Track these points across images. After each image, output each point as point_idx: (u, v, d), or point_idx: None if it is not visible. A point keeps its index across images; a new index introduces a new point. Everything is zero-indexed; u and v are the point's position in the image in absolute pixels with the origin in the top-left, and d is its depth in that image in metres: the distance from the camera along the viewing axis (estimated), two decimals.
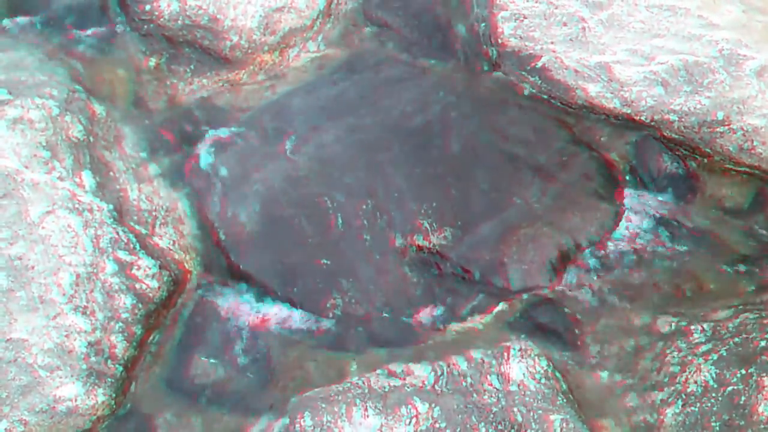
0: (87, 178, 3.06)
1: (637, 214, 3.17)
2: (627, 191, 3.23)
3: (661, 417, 2.64)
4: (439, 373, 2.73)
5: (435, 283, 3.03)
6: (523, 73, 3.44)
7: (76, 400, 2.63)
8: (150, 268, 2.89)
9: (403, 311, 2.98)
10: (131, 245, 2.92)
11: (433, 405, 2.64)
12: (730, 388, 2.60)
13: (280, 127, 3.40)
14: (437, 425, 2.59)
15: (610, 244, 3.10)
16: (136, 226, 3.04)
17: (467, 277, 3.03)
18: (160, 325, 2.90)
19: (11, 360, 2.63)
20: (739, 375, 2.62)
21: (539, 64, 3.41)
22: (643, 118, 3.25)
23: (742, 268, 3.02)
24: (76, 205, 2.93)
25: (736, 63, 3.26)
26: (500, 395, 2.67)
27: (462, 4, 3.74)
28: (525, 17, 3.51)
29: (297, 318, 2.97)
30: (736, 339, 2.72)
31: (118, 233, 2.93)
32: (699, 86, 3.23)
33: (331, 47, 3.69)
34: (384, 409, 2.62)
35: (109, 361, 2.72)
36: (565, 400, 2.67)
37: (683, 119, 3.20)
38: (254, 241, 3.09)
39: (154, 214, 3.13)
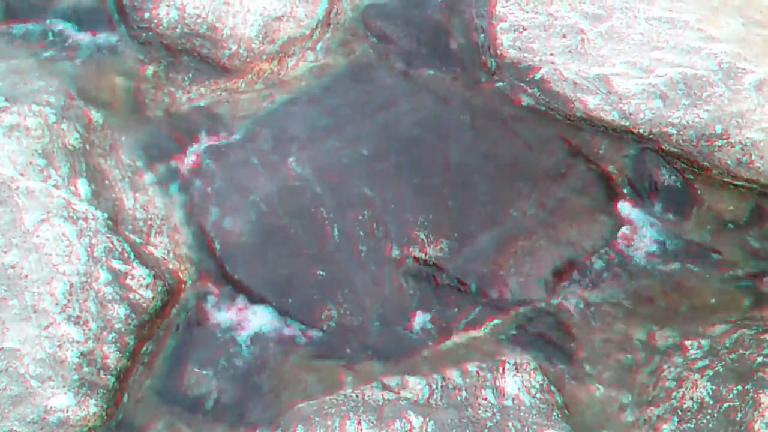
0: (82, 186, 3.05)
1: (635, 227, 3.16)
2: (625, 204, 3.21)
3: None
4: (434, 386, 2.72)
5: (431, 294, 3.02)
6: (522, 84, 3.44)
7: (67, 411, 2.61)
8: (144, 278, 2.88)
9: (399, 323, 2.97)
10: (126, 254, 2.91)
11: (427, 418, 2.62)
12: (726, 405, 2.59)
13: (277, 137, 3.39)
14: None
15: (607, 257, 3.09)
16: (131, 235, 3.03)
17: (463, 289, 3.02)
18: (153, 336, 2.88)
19: (2, 369, 2.61)
20: (735, 391, 2.60)
21: (538, 75, 3.40)
22: (641, 130, 3.24)
23: (739, 282, 3.01)
24: (71, 214, 2.92)
25: (735, 76, 3.25)
26: (495, 409, 2.65)
27: (462, 15, 3.74)
28: (524, 28, 3.51)
29: (291, 329, 2.95)
30: (733, 355, 2.70)
31: (112, 242, 2.91)
32: (698, 99, 3.22)
33: (329, 57, 3.68)
34: (378, 422, 2.60)
35: (102, 372, 2.70)
36: (560, 415, 2.65)
37: (681, 132, 3.19)
38: (250, 251, 3.08)
39: (149, 223, 3.12)
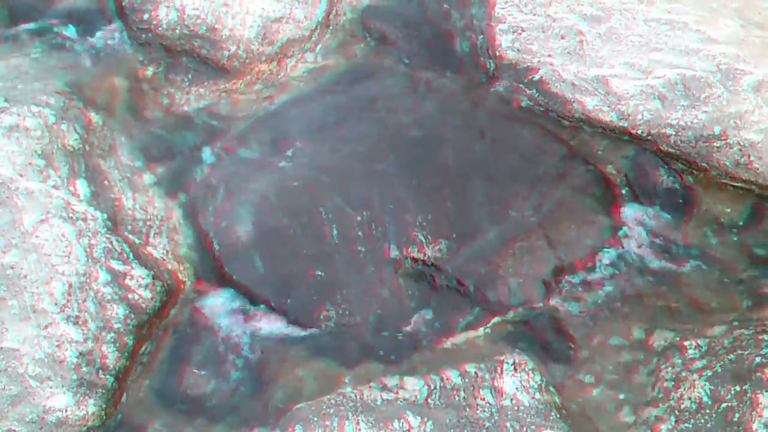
0: (81, 187, 3.06)
1: (633, 228, 3.16)
2: (623, 205, 3.21)
3: None
4: (432, 386, 2.72)
5: (429, 295, 3.02)
6: (521, 85, 3.44)
7: (66, 411, 2.61)
8: (143, 278, 2.88)
9: (397, 323, 2.97)
10: (125, 255, 2.91)
11: (425, 419, 2.62)
12: (724, 405, 2.59)
13: (276, 138, 3.39)
14: None
15: (605, 257, 3.09)
16: (130, 236, 3.04)
17: (462, 289, 3.02)
18: (152, 336, 2.88)
19: (2, 369, 2.62)
20: (733, 391, 2.60)
21: (536, 76, 3.40)
22: (639, 131, 3.25)
23: (737, 283, 3.01)
24: (70, 214, 2.93)
25: (733, 78, 3.26)
26: (493, 410, 2.65)
27: (461, 17, 3.74)
28: (523, 30, 3.51)
29: (290, 329, 2.95)
30: (731, 355, 2.70)
31: (111, 243, 2.92)
32: (696, 101, 3.23)
33: (329, 58, 3.69)
34: (376, 422, 2.60)
35: (101, 372, 2.70)
36: (558, 415, 2.65)
37: (680, 133, 3.20)
38: (248, 251, 3.08)
39: (148, 223, 3.12)
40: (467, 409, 2.65)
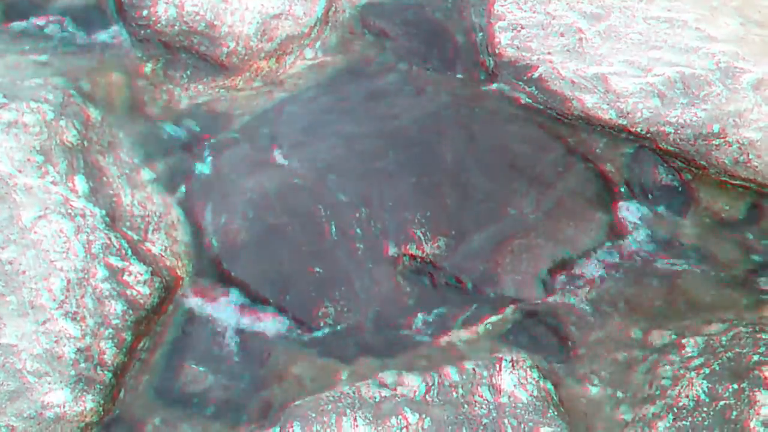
0: (80, 183, 3.06)
1: (632, 226, 3.16)
2: (622, 203, 3.22)
3: (653, 431, 2.62)
4: (431, 383, 2.72)
5: (428, 292, 3.02)
6: (520, 83, 3.44)
7: (64, 407, 2.61)
8: (141, 274, 2.88)
9: (396, 320, 2.97)
10: (123, 251, 2.91)
11: (423, 416, 2.62)
12: (722, 403, 2.59)
13: (275, 135, 3.39)
14: None
15: (604, 255, 3.09)
16: (129, 232, 3.03)
17: (460, 287, 3.02)
18: (150, 332, 2.88)
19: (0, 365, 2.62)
20: (731, 389, 2.60)
21: (536, 74, 3.41)
22: (638, 129, 3.25)
23: (735, 281, 3.01)
24: (69, 210, 2.93)
25: (732, 76, 3.26)
26: (491, 407, 2.65)
27: (460, 14, 3.74)
28: (522, 27, 3.51)
29: (288, 326, 2.95)
30: (729, 353, 2.70)
31: (110, 239, 2.92)
32: (695, 98, 3.23)
33: (328, 55, 3.69)
34: (374, 419, 2.61)
35: (99, 368, 2.70)
36: (556, 413, 2.66)
37: (679, 131, 3.20)
38: (247, 248, 3.08)
39: (146, 219, 3.12)
40: (465, 406, 2.65)
